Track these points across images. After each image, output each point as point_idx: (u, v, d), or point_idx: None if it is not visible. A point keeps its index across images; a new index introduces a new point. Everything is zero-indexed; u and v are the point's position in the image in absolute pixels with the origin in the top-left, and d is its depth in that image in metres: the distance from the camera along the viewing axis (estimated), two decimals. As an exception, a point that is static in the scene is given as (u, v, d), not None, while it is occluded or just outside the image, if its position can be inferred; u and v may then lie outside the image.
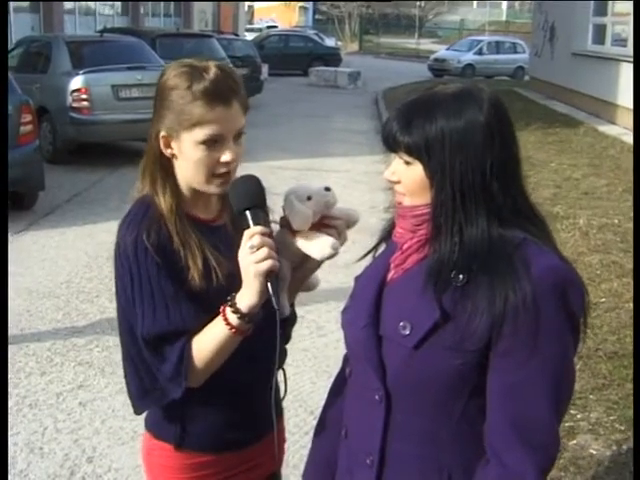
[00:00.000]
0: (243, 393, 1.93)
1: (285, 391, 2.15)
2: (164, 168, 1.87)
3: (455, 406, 1.60)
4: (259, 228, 1.72)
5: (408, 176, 1.63)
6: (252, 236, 1.70)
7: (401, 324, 1.61)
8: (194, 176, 1.84)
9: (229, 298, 1.75)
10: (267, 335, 1.81)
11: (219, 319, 1.76)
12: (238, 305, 1.73)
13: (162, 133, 1.83)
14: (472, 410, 1.60)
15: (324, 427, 1.96)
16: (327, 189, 1.85)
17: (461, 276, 1.57)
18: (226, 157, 1.80)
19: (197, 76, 1.77)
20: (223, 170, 1.82)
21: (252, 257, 1.68)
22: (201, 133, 1.77)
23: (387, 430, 1.67)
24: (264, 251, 1.68)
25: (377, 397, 1.67)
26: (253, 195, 1.78)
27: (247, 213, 1.75)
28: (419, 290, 1.60)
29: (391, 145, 1.65)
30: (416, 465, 1.65)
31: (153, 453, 2.03)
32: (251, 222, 1.74)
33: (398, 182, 1.66)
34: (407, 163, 1.62)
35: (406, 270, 1.68)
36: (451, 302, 1.57)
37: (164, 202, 1.85)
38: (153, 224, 1.81)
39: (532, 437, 1.52)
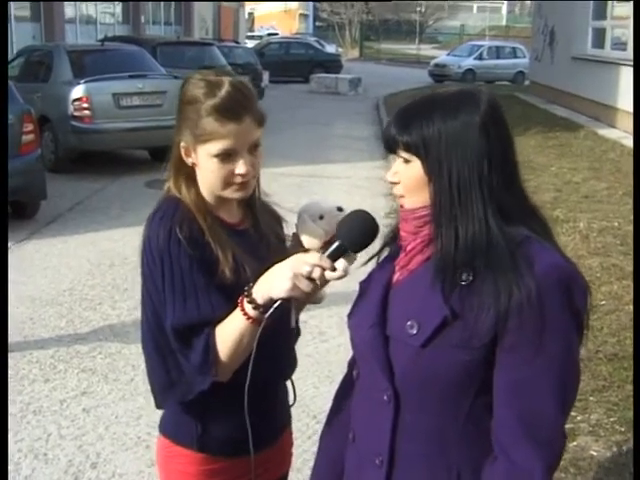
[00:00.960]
0: (257, 398, 1.96)
1: (294, 399, 2.19)
2: (187, 174, 1.93)
3: (462, 404, 1.62)
4: (328, 263, 1.69)
5: (407, 175, 1.67)
6: (318, 263, 1.69)
7: (408, 323, 1.63)
8: (212, 184, 1.89)
9: (246, 288, 1.77)
10: (279, 341, 1.85)
11: (238, 309, 1.78)
12: (254, 295, 1.75)
13: (182, 144, 1.89)
14: (478, 408, 1.62)
15: (331, 430, 1.97)
16: (339, 209, 1.87)
17: (465, 274, 1.59)
18: (240, 170, 1.85)
19: (210, 92, 1.82)
20: (239, 180, 1.86)
21: (299, 278, 1.68)
22: (214, 147, 1.82)
23: (396, 430, 1.69)
24: (309, 285, 1.67)
25: (385, 397, 1.69)
26: (356, 239, 1.75)
27: (335, 244, 1.73)
28: (425, 290, 1.63)
29: (391, 145, 1.68)
30: (425, 464, 1.67)
31: (173, 460, 2.04)
32: (331, 252, 1.71)
33: (398, 183, 1.70)
34: (406, 161, 1.66)
35: (411, 271, 1.70)
36: (458, 300, 1.59)
37: (191, 201, 1.90)
38: (185, 218, 1.85)
39: (538, 433, 1.54)
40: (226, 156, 1.83)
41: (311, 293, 1.73)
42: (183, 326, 1.81)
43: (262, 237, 1.98)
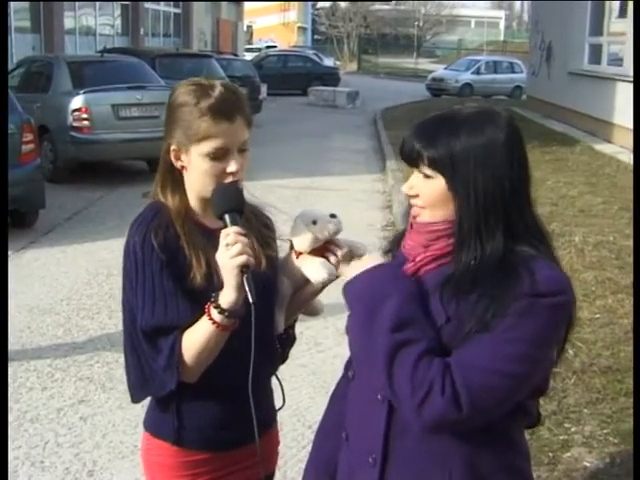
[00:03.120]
0: (236, 393, 2.00)
1: (283, 400, 2.22)
2: (175, 178, 2.01)
3: None
4: (234, 228, 1.83)
5: (428, 191, 1.70)
6: (227, 235, 1.81)
7: None
8: (203, 186, 1.96)
9: (213, 296, 1.85)
10: (256, 336, 1.89)
11: (205, 316, 1.87)
12: (219, 301, 1.83)
13: (173, 147, 1.97)
14: None
15: (325, 431, 2.01)
16: (332, 216, 1.96)
17: (469, 285, 1.63)
18: (231, 168, 1.92)
19: (204, 94, 1.91)
20: (229, 180, 1.93)
21: (227, 253, 1.79)
22: (207, 146, 1.90)
23: (389, 428, 1.73)
24: (237, 247, 1.78)
25: (379, 396, 1.73)
26: (230, 200, 1.89)
27: (225, 216, 1.86)
28: (426, 297, 1.68)
29: (413, 159, 1.71)
30: (418, 462, 1.71)
31: (151, 452, 2.12)
32: (229, 223, 1.85)
33: (416, 196, 1.73)
34: (427, 177, 1.69)
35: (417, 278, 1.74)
36: (454, 306, 1.64)
37: (173, 207, 1.98)
38: (161, 225, 1.94)
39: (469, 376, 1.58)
40: (218, 155, 1.91)
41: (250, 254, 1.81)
42: (151, 328, 1.90)
43: None
